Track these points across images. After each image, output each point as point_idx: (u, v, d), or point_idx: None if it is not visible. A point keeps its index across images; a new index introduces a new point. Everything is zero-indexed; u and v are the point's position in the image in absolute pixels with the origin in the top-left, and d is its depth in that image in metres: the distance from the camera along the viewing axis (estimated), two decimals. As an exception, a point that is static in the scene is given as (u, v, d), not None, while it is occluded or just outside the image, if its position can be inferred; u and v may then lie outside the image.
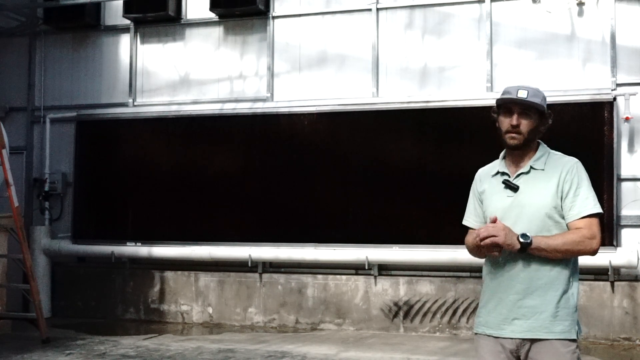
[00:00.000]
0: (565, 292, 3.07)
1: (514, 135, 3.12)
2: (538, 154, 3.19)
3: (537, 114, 3.14)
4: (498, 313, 3.11)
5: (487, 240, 2.96)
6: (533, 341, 3.05)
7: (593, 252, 3.07)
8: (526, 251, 2.98)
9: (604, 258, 7.83)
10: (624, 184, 8.22)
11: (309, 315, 9.14)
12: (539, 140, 3.22)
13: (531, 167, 3.15)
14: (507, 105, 3.14)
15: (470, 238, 3.24)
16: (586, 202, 3.07)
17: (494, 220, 3.02)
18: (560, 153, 3.23)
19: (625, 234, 8.17)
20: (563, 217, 3.09)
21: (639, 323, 8.05)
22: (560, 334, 3.04)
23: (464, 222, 3.36)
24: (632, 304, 8.09)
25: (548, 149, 3.23)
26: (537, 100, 3.11)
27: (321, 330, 9.01)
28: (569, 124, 8.12)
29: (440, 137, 8.70)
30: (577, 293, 3.14)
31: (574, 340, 3.07)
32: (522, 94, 3.09)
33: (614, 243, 8.01)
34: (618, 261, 7.96)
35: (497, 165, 3.27)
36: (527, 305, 3.05)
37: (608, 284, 8.15)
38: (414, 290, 8.80)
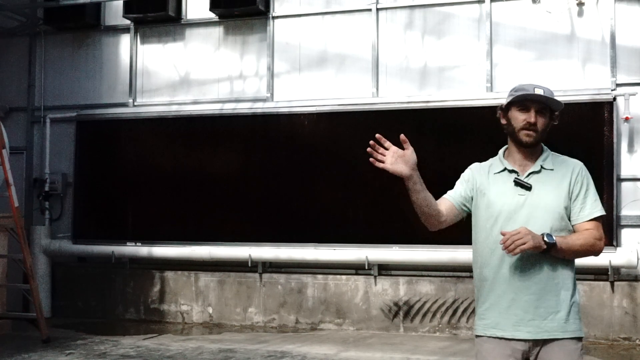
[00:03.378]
0: (573, 291, 3.09)
1: (529, 132, 3.09)
2: (545, 154, 3.19)
3: (549, 114, 3.14)
4: (512, 314, 3.05)
5: (517, 250, 2.90)
6: (545, 341, 3.04)
7: (599, 253, 3.12)
8: (549, 252, 2.97)
9: (604, 258, 7.83)
10: (624, 184, 8.22)
11: (309, 315, 9.14)
12: None
13: (542, 167, 3.14)
14: (524, 102, 3.10)
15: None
16: (595, 204, 3.11)
17: (405, 142, 3.00)
18: (560, 154, 3.24)
19: (625, 234, 8.18)
20: (569, 218, 3.10)
21: (639, 323, 8.06)
22: (573, 332, 3.05)
23: (445, 196, 3.32)
24: (632, 304, 8.09)
25: (548, 149, 3.24)
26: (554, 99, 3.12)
27: (321, 330, 9.01)
28: (569, 124, 8.10)
29: (440, 137, 8.70)
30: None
31: (581, 339, 3.09)
32: (540, 92, 3.08)
33: (614, 243, 8.01)
34: (618, 261, 7.97)
35: (499, 162, 3.22)
36: (544, 305, 3.03)
37: (608, 284, 8.15)
38: (414, 290, 8.81)
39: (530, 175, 3.13)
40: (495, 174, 3.20)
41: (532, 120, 3.08)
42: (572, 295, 3.07)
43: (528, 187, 3.10)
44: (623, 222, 8.17)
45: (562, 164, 3.17)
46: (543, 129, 3.11)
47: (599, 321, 8.13)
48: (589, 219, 3.08)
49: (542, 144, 3.21)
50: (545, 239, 2.95)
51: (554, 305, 3.03)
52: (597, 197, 3.13)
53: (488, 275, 3.14)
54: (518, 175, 3.14)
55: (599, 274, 8.16)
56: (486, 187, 3.19)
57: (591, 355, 7.49)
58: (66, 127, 10.25)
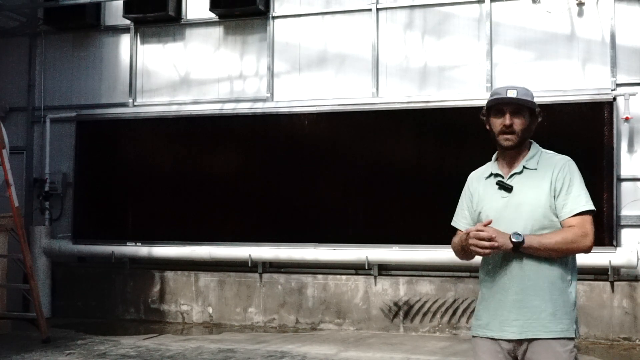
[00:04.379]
0: (563, 291, 3.07)
1: (507, 136, 3.12)
2: (530, 153, 3.19)
3: (529, 113, 3.15)
4: (499, 314, 3.10)
5: (488, 246, 2.95)
6: (530, 341, 3.05)
7: (587, 250, 3.07)
8: (519, 250, 2.98)
9: (604, 258, 7.84)
10: (624, 184, 8.22)
11: (309, 315, 9.15)
12: (531, 140, 3.22)
13: (524, 167, 3.15)
14: (498, 106, 3.13)
15: (457, 240, 3.24)
16: (578, 199, 3.07)
17: (489, 223, 3.01)
18: (552, 152, 3.23)
19: (625, 234, 8.17)
20: (557, 216, 3.09)
21: (639, 323, 8.06)
22: (558, 332, 3.03)
23: (453, 224, 3.34)
24: (632, 304, 8.09)
25: (540, 148, 3.23)
26: (527, 98, 3.12)
27: (321, 330, 9.01)
28: (569, 124, 8.12)
29: (440, 137, 8.70)
30: (576, 292, 3.14)
31: (571, 339, 3.06)
32: (512, 94, 3.09)
33: (614, 243, 8.00)
34: (618, 261, 7.96)
35: (490, 167, 3.27)
36: (527, 305, 3.04)
37: (608, 283, 8.15)
38: (414, 290, 8.81)
39: (513, 177, 3.15)
40: (485, 178, 3.25)
41: (507, 122, 3.10)
42: (562, 294, 3.06)
43: (508, 189, 3.12)
44: (623, 222, 8.17)
45: (547, 161, 3.16)
46: (522, 129, 3.12)
47: (599, 321, 8.13)
48: (572, 214, 3.05)
49: (533, 143, 3.22)
50: (512, 238, 2.96)
51: (538, 305, 3.03)
52: (583, 192, 3.09)
53: (484, 277, 3.20)
54: (502, 178, 3.17)
55: (599, 274, 8.16)
56: (479, 193, 3.24)
57: (591, 355, 7.50)
58: (66, 127, 10.25)
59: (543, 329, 3.03)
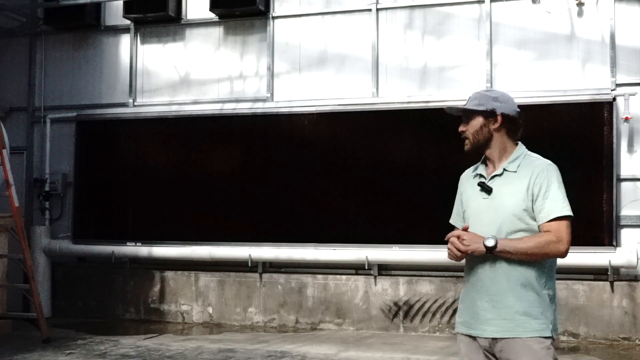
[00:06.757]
0: (538, 291, 3.09)
1: (464, 141, 3.26)
2: (513, 156, 3.21)
3: (482, 116, 3.19)
4: (474, 312, 3.16)
5: (463, 250, 3.06)
6: (506, 339, 3.09)
7: (562, 255, 3.07)
8: (492, 253, 3.04)
9: (604, 258, 7.83)
10: (624, 184, 8.22)
11: (309, 315, 9.15)
12: (518, 142, 3.24)
13: (504, 170, 3.18)
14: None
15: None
16: (554, 204, 3.06)
17: (466, 229, 3.10)
18: (536, 155, 3.24)
19: (625, 234, 8.17)
20: (535, 219, 3.11)
21: (639, 323, 8.06)
22: (532, 332, 3.06)
23: (451, 221, 3.41)
24: (632, 303, 8.09)
25: (525, 150, 3.24)
26: (472, 104, 3.20)
27: (321, 330, 9.02)
28: (568, 124, 8.13)
29: (440, 137, 8.70)
30: (554, 292, 3.16)
31: (548, 338, 3.08)
32: (460, 104, 3.29)
33: (614, 243, 8.00)
34: (618, 261, 7.96)
35: (478, 167, 3.32)
36: (503, 305, 3.08)
37: (607, 283, 8.14)
38: (413, 290, 8.81)
39: (494, 178, 3.20)
40: (473, 178, 3.31)
41: (460, 129, 3.27)
42: (536, 295, 3.07)
43: (488, 190, 3.17)
44: (623, 222, 8.16)
45: (528, 165, 3.17)
46: (473, 132, 3.22)
47: (599, 321, 8.13)
48: (547, 220, 3.06)
49: (519, 145, 3.24)
50: (485, 242, 3.02)
51: (512, 305, 3.06)
52: (560, 197, 3.08)
53: (466, 276, 3.28)
54: (485, 179, 3.22)
55: (599, 274, 8.15)
56: (466, 191, 3.32)
57: (591, 355, 7.50)
58: (66, 127, 10.25)
59: (518, 328, 3.06)
